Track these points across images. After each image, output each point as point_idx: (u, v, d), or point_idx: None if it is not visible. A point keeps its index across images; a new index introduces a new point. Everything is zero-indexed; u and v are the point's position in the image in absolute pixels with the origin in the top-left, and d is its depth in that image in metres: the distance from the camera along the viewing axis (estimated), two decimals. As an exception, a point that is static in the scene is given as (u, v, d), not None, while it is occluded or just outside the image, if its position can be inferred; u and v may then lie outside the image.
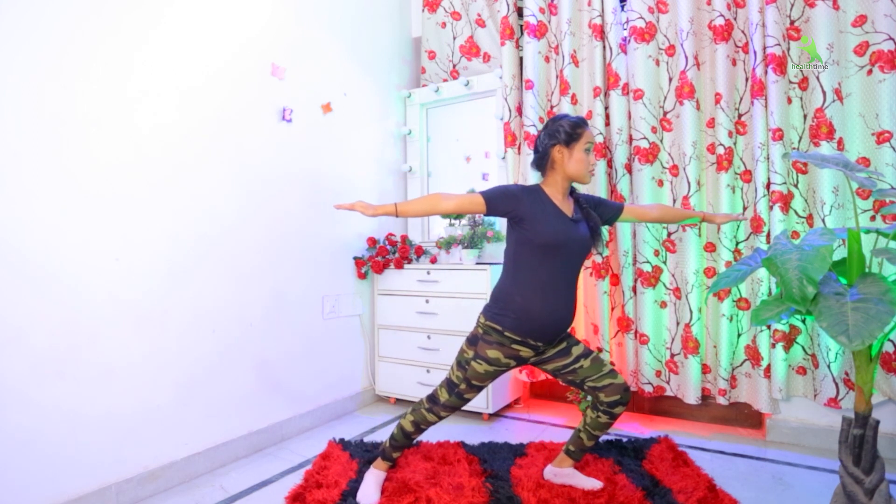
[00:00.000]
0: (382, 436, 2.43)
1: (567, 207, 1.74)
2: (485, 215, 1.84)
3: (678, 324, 2.51)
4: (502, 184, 1.81)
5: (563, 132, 1.70)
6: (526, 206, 1.67)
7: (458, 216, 2.94)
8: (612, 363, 2.62)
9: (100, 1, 1.76)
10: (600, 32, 2.64)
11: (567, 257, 1.68)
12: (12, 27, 1.55)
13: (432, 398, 1.77)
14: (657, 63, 2.56)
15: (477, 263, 2.81)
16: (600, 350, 2.65)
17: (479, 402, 2.62)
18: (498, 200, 1.69)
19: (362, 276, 2.88)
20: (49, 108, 1.64)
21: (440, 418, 1.78)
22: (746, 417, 2.50)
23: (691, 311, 2.47)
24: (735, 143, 2.39)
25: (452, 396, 1.74)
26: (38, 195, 1.61)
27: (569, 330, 1.77)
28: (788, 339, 2.25)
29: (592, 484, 1.81)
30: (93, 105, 1.74)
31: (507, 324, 1.66)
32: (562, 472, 1.86)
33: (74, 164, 1.70)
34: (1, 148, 1.53)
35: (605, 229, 2.44)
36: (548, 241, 1.64)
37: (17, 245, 1.57)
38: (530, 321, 1.64)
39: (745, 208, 2.37)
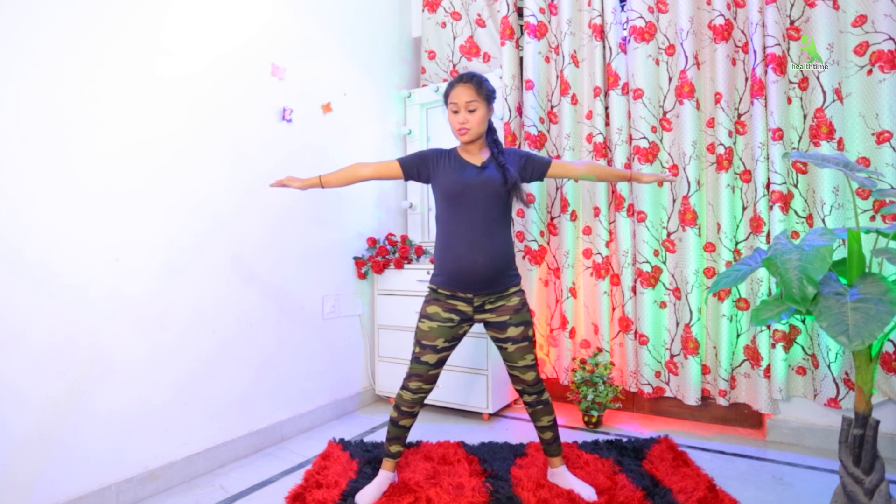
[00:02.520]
0: (382, 436, 2.43)
1: (477, 159, 1.78)
2: (404, 180, 1.88)
3: (678, 324, 2.51)
4: None
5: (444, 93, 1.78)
6: (433, 165, 1.80)
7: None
8: (611, 363, 2.62)
9: (102, 2, 1.76)
10: (600, 32, 2.64)
11: (473, 203, 1.71)
12: (13, 27, 1.55)
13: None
14: (657, 63, 2.56)
15: (477, 263, 2.80)
16: (600, 350, 2.65)
17: (479, 402, 2.62)
18: (411, 164, 1.82)
19: (362, 276, 2.89)
20: (50, 108, 1.64)
21: (412, 392, 1.76)
22: (746, 417, 2.50)
23: (691, 312, 2.47)
24: (735, 143, 2.39)
25: (412, 363, 1.77)
26: (38, 194, 1.61)
27: (512, 287, 1.75)
28: (788, 339, 2.25)
29: (582, 490, 1.77)
30: (93, 105, 1.74)
31: (438, 281, 1.76)
32: (553, 472, 1.86)
33: (75, 163, 1.70)
34: (2, 147, 1.53)
35: (602, 212, 2.49)
36: (447, 189, 1.73)
37: (17, 244, 1.57)
38: (449, 272, 1.72)
39: (744, 208, 2.37)
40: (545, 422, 1.80)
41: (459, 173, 1.74)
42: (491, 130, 1.82)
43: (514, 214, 2.91)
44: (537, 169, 1.82)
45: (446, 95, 1.77)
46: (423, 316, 1.77)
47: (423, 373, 1.75)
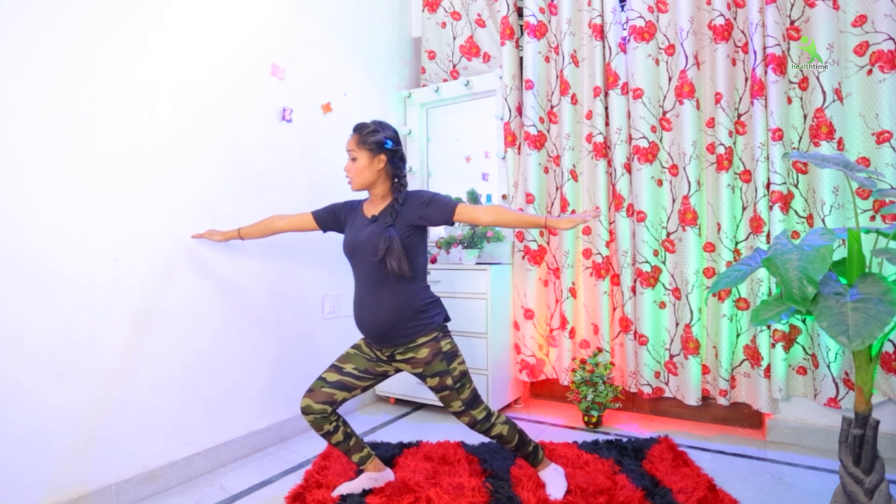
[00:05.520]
0: (382, 436, 2.43)
1: (373, 210, 1.75)
2: (322, 232, 1.92)
3: (677, 324, 2.51)
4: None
5: None
6: (343, 217, 1.84)
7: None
8: (611, 363, 2.62)
9: (101, 2, 1.76)
10: (600, 32, 2.64)
11: (362, 261, 1.69)
12: (13, 27, 1.55)
13: None
14: (657, 62, 2.56)
15: (477, 263, 2.81)
16: (600, 350, 2.65)
17: (479, 402, 2.62)
18: (324, 216, 1.88)
19: (362, 276, 2.88)
20: (50, 108, 1.64)
21: (303, 413, 1.72)
22: (746, 417, 2.50)
23: (691, 312, 2.47)
24: (735, 143, 2.39)
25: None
26: (38, 194, 1.61)
27: (407, 340, 1.67)
28: (788, 339, 2.25)
29: (552, 490, 1.77)
30: (94, 105, 1.74)
31: None
32: (541, 475, 1.86)
33: (75, 163, 1.70)
34: (2, 147, 1.53)
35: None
36: (345, 247, 1.76)
37: (18, 244, 1.57)
38: (356, 322, 1.75)
39: (744, 208, 2.37)
40: (508, 448, 1.79)
41: (355, 230, 1.74)
42: (396, 178, 1.75)
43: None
44: (440, 215, 1.69)
45: None
46: (352, 345, 1.83)
47: (316, 388, 1.71)
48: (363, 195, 1.84)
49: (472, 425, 1.73)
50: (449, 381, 1.69)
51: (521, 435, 1.78)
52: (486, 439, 2.31)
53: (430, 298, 1.74)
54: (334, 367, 1.76)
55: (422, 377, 1.71)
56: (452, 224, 1.73)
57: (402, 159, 1.78)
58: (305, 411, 1.70)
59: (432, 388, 1.72)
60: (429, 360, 1.68)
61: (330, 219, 1.87)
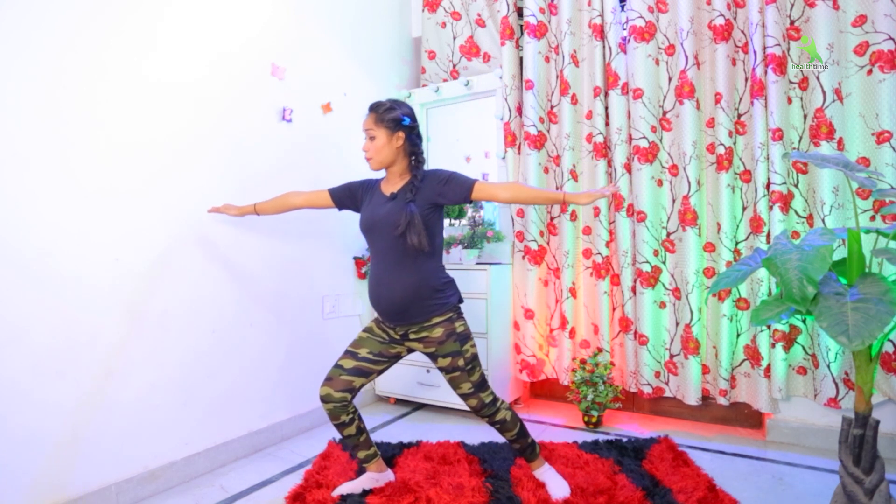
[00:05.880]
0: (382, 436, 2.43)
1: (392, 188, 1.75)
2: (338, 209, 1.90)
3: (677, 324, 2.51)
4: None
5: None
6: (360, 196, 1.84)
7: (460, 214, 2.95)
8: (612, 363, 2.62)
9: (102, 1, 1.76)
10: (600, 32, 2.64)
11: (380, 236, 1.70)
12: (13, 27, 1.55)
13: None
14: (657, 62, 2.56)
15: (477, 263, 2.81)
16: (600, 350, 2.65)
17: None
18: (340, 193, 1.87)
19: (362, 276, 2.88)
20: (50, 108, 1.64)
21: (323, 401, 1.73)
22: (746, 417, 2.50)
23: (691, 312, 2.47)
24: (735, 143, 2.39)
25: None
26: (38, 194, 1.61)
27: (423, 318, 1.67)
28: (788, 339, 2.25)
29: (553, 489, 1.78)
30: (94, 106, 1.74)
31: None
32: (535, 474, 1.87)
33: (75, 163, 1.70)
34: (2, 147, 1.53)
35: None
36: (361, 223, 1.77)
37: (18, 244, 1.57)
38: (371, 301, 1.75)
39: (744, 208, 2.37)
40: (508, 437, 1.79)
41: (373, 207, 1.75)
42: (413, 155, 1.75)
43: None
44: (459, 193, 1.69)
45: None
46: (363, 328, 1.82)
47: (334, 376, 1.72)
48: (374, 176, 1.85)
49: (479, 408, 1.73)
50: (461, 363, 1.70)
51: (522, 425, 1.80)
52: (487, 439, 2.31)
53: (447, 278, 1.75)
54: (349, 354, 1.76)
55: (433, 357, 1.72)
56: (471, 202, 1.75)
57: (419, 136, 1.78)
58: (325, 399, 1.71)
59: (443, 369, 1.72)
60: (442, 339, 1.68)
61: (346, 196, 1.87)
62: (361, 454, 1.81)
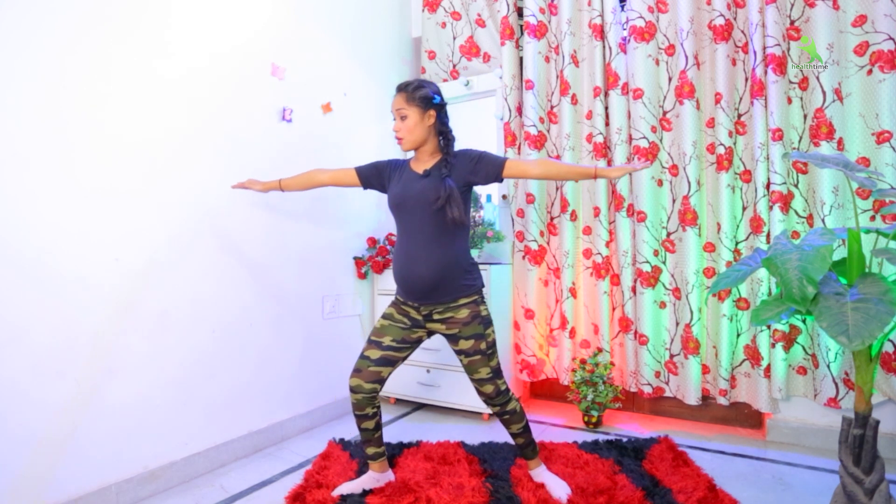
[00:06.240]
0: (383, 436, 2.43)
1: (423, 166, 1.75)
2: (363, 188, 1.90)
3: (678, 324, 2.51)
4: None
5: None
6: (387, 175, 1.83)
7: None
8: (612, 363, 2.62)
9: (103, 2, 1.76)
10: (600, 32, 2.64)
11: (411, 213, 1.69)
12: (14, 27, 1.55)
13: None
14: (657, 63, 2.56)
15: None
16: (600, 350, 2.65)
17: (478, 402, 2.62)
18: (367, 172, 1.86)
19: (362, 276, 2.88)
20: (50, 109, 1.64)
21: (353, 392, 1.75)
22: (746, 417, 2.50)
23: (692, 312, 2.47)
24: (735, 143, 2.39)
25: (357, 360, 1.77)
26: (38, 194, 1.61)
27: (453, 296, 1.68)
28: (788, 339, 2.25)
29: (554, 489, 1.78)
30: (94, 105, 1.74)
31: (396, 288, 1.80)
32: (532, 474, 1.87)
33: (75, 163, 1.70)
34: (2, 147, 1.53)
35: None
36: (390, 200, 1.76)
37: (18, 243, 1.56)
38: (397, 280, 1.74)
39: (744, 208, 2.37)
40: (514, 430, 1.80)
41: (403, 184, 1.74)
42: (442, 134, 1.76)
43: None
44: (491, 171, 1.72)
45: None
46: (382, 315, 1.82)
47: (363, 368, 1.73)
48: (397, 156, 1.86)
49: (494, 395, 1.73)
50: (483, 346, 1.71)
51: (527, 420, 1.83)
52: (487, 439, 2.31)
53: (474, 261, 1.78)
54: (374, 343, 1.76)
55: (455, 339, 1.71)
56: (502, 181, 1.75)
57: (447, 115, 1.78)
58: (355, 390, 1.73)
59: (463, 352, 1.72)
60: (467, 321, 1.69)
61: (373, 175, 1.86)
62: (371, 450, 1.82)
